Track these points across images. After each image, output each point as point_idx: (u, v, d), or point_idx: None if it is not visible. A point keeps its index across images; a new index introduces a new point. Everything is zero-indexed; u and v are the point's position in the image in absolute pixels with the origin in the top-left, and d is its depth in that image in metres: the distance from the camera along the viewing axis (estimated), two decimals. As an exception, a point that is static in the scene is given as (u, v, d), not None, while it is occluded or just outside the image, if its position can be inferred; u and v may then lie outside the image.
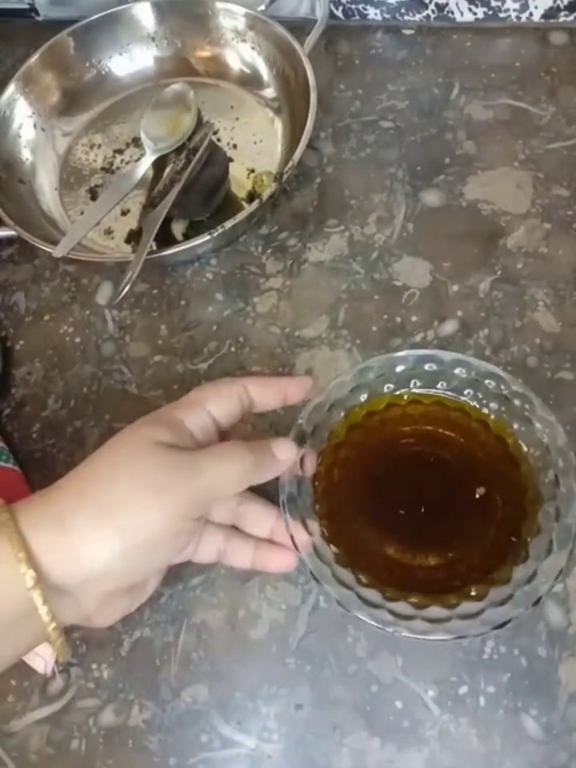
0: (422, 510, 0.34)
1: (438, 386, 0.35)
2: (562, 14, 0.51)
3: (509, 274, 0.44)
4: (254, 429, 0.40)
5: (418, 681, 0.35)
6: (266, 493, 0.35)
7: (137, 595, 0.31)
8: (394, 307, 0.44)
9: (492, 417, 0.34)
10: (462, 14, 0.52)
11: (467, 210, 0.46)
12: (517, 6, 0.51)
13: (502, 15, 0.52)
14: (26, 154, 0.51)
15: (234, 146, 0.51)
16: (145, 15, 0.53)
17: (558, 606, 0.35)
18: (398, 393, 0.35)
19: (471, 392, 0.34)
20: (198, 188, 0.45)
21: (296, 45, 0.48)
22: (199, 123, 0.45)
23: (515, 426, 0.34)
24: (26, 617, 0.26)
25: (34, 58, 0.51)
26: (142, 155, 0.47)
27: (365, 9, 0.53)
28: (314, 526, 0.32)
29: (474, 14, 0.52)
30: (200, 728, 0.35)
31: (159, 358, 0.44)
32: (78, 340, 0.46)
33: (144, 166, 0.46)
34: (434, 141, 0.49)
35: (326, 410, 0.34)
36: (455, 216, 0.46)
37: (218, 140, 0.50)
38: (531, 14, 0.51)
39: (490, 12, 0.51)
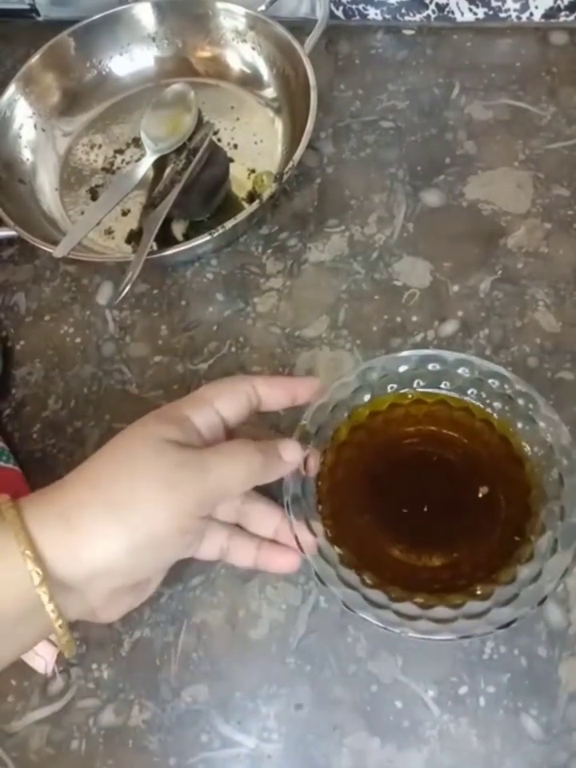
0: (426, 510, 0.34)
1: (442, 385, 0.35)
2: (563, 13, 0.51)
3: (509, 273, 0.44)
4: (252, 427, 0.40)
5: (417, 681, 0.34)
6: (270, 493, 0.35)
7: (141, 591, 0.31)
8: (394, 307, 0.44)
9: (495, 416, 0.34)
10: (462, 14, 0.52)
11: (467, 209, 0.46)
12: (517, 6, 0.51)
13: (502, 15, 0.52)
14: (26, 155, 0.51)
15: (235, 146, 0.51)
16: (145, 15, 0.53)
17: (558, 605, 0.35)
18: (401, 392, 0.35)
19: (475, 392, 0.34)
20: (198, 188, 0.45)
21: (296, 45, 0.48)
22: (199, 123, 0.45)
23: (519, 425, 0.34)
24: (31, 613, 0.26)
25: (34, 59, 0.52)
26: (143, 155, 0.47)
27: (365, 9, 0.53)
28: (318, 526, 0.32)
29: (475, 14, 0.52)
30: (200, 728, 0.35)
31: (159, 358, 0.44)
32: (78, 340, 0.46)
33: (144, 167, 0.46)
34: (435, 141, 0.49)
35: (329, 411, 0.34)
36: (455, 216, 0.46)
37: (219, 140, 0.50)
38: (531, 14, 0.51)
39: (491, 12, 0.51)
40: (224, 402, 0.31)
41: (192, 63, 0.55)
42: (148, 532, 0.26)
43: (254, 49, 0.52)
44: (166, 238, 0.46)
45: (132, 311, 0.46)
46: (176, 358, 0.44)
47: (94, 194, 0.51)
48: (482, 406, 0.34)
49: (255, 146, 0.51)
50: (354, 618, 0.30)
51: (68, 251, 0.42)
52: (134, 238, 0.48)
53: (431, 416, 0.36)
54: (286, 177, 0.44)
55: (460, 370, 0.34)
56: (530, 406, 0.33)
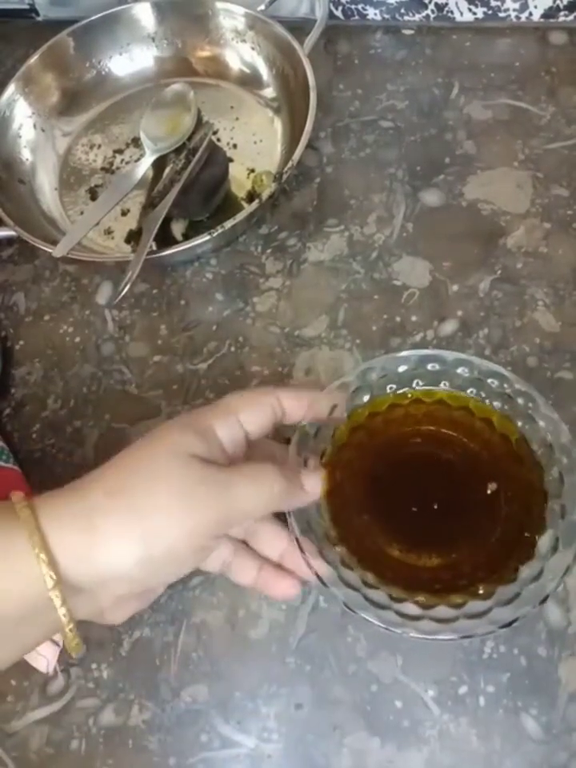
0: (427, 510, 0.34)
1: (441, 385, 0.35)
2: (562, 13, 0.51)
3: (508, 273, 0.44)
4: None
5: (417, 681, 0.34)
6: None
7: (147, 596, 0.31)
8: (393, 307, 0.44)
9: (497, 412, 0.34)
10: (461, 13, 0.52)
11: (467, 209, 0.46)
12: (516, 5, 0.51)
13: (501, 15, 0.52)
14: (25, 154, 0.51)
15: (234, 146, 0.51)
16: (145, 15, 0.53)
17: (558, 605, 0.35)
18: (400, 393, 0.35)
19: (474, 391, 0.34)
20: (197, 188, 0.45)
21: (296, 45, 0.48)
22: (199, 123, 0.45)
23: (519, 424, 0.34)
24: (42, 612, 0.26)
25: (33, 59, 0.52)
26: (142, 155, 0.47)
27: (364, 9, 0.53)
28: (319, 528, 0.32)
29: (474, 13, 0.52)
30: (200, 728, 0.35)
31: (159, 357, 0.44)
32: (77, 340, 0.46)
33: (144, 166, 0.46)
34: (434, 141, 0.49)
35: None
36: (455, 216, 0.46)
37: (218, 140, 0.50)
38: (531, 14, 0.51)
39: (490, 12, 0.51)
40: (249, 414, 0.30)
41: (191, 63, 0.55)
42: (164, 546, 0.26)
43: (253, 49, 0.52)
44: (165, 238, 0.46)
45: (131, 311, 0.46)
46: (175, 357, 0.44)
47: (93, 194, 0.51)
48: (481, 401, 0.34)
49: (254, 145, 0.51)
50: (354, 618, 0.30)
51: (67, 251, 0.42)
52: (133, 237, 0.48)
53: (431, 416, 0.36)
54: (285, 176, 0.44)
55: (459, 370, 0.34)
56: (530, 404, 0.33)
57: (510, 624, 0.29)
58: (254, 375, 0.43)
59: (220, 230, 0.42)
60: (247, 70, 0.53)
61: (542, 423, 0.33)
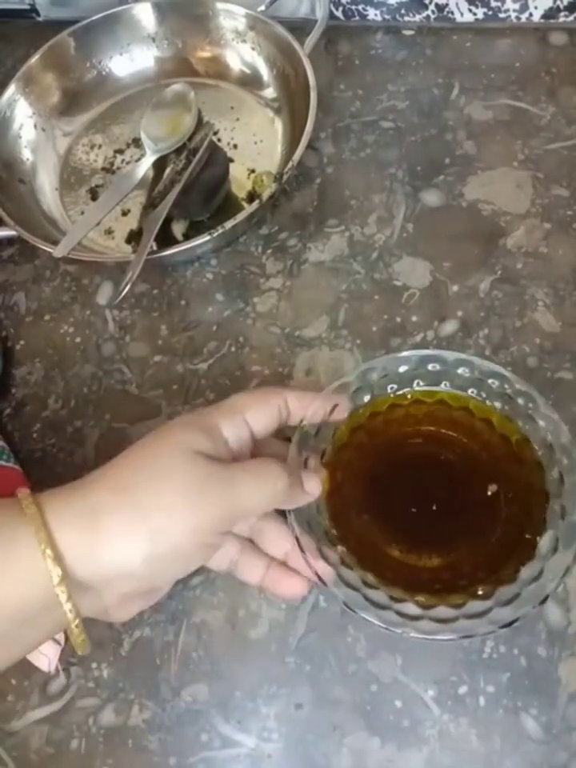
0: (427, 510, 0.34)
1: (442, 385, 0.35)
2: (562, 14, 0.51)
3: (509, 273, 0.44)
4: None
5: (417, 680, 0.35)
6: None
7: (153, 594, 0.31)
8: (394, 307, 0.44)
9: (497, 412, 0.34)
10: (461, 14, 0.52)
11: (467, 210, 0.46)
12: (517, 6, 0.51)
13: (501, 15, 0.52)
14: (26, 154, 0.51)
15: (235, 147, 0.51)
16: (145, 16, 0.53)
17: (558, 605, 0.35)
18: (400, 393, 0.35)
19: (475, 391, 0.34)
20: (198, 188, 0.45)
21: (296, 45, 0.48)
22: (199, 123, 0.45)
23: (519, 424, 0.34)
24: (48, 609, 0.26)
25: (34, 59, 0.52)
26: (143, 155, 0.47)
27: (365, 9, 0.53)
28: (319, 527, 0.32)
29: (474, 14, 0.52)
30: (200, 727, 0.35)
31: (159, 357, 0.44)
32: (78, 340, 0.46)
33: (144, 167, 0.46)
34: (434, 141, 0.49)
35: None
36: (455, 216, 0.46)
37: (219, 140, 0.50)
38: (531, 15, 0.51)
39: (490, 12, 0.52)
40: (255, 414, 0.31)
41: (192, 63, 0.55)
42: (169, 543, 0.26)
43: (253, 49, 0.52)
44: (165, 238, 0.46)
45: (132, 311, 0.46)
46: (176, 357, 0.44)
47: (93, 194, 0.51)
48: (482, 401, 0.35)
49: (255, 146, 0.51)
50: (354, 618, 0.30)
51: (68, 251, 0.42)
52: (134, 237, 0.48)
53: (431, 416, 0.36)
54: (285, 177, 0.44)
55: (460, 370, 0.34)
56: (530, 405, 0.33)
57: (509, 624, 0.29)
58: (254, 375, 0.43)
59: (220, 231, 0.42)
60: (248, 71, 0.53)
61: (542, 423, 0.33)
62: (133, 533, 0.26)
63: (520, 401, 0.33)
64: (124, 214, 0.49)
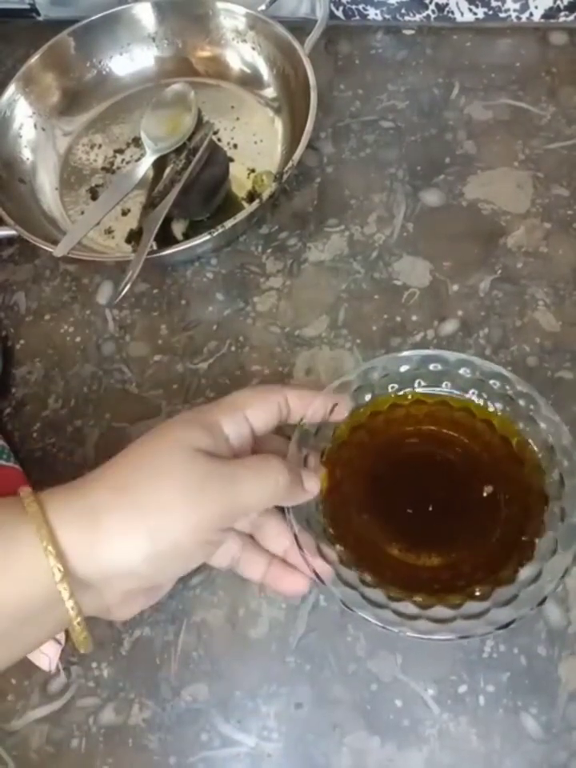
0: (427, 510, 0.34)
1: (443, 385, 0.35)
2: (562, 14, 0.51)
3: (509, 273, 0.44)
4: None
5: (417, 680, 0.35)
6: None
7: (155, 592, 0.31)
8: (394, 307, 0.44)
9: (498, 415, 0.34)
10: (462, 14, 0.52)
11: (467, 209, 0.46)
12: (517, 6, 0.51)
13: (502, 15, 0.52)
14: (26, 154, 0.51)
15: (235, 146, 0.51)
16: (145, 15, 0.53)
17: (558, 605, 0.35)
18: (401, 393, 0.35)
19: (476, 392, 0.34)
20: (198, 188, 0.45)
21: (296, 45, 0.48)
22: (199, 123, 0.45)
23: (520, 425, 0.34)
24: (51, 607, 0.26)
25: (34, 58, 0.52)
26: (143, 155, 0.47)
27: (365, 9, 0.53)
28: (318, 525, 0.32)
29: (474, 14, 0.52)
30: (200, 727, 0.35)
31: (159, 357, 0.44)
32: (78, 339, 0.46)
33: (144, 166, 0.46)
34: (434, 141, 0.49)
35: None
36: (455, 216, 0.46)
37: (219, 140, 0.50)
38: (531, 14, 0.51)
39: (490, 12, 0.52)
40: (255, 411, 0.31)
41: (192, 63, 0.55)
42: (169, 541, 0.26)
43: (253, 49, 0.52)
44: (165, 238, 0.46)
45: (132, 310, 0.46)
46: (176, 357, 0.44)
47: (94, 194, 0.51)
48: (483, 405, 0.35)
49: (255, 145, 0.51)
50: (354, 617, 0.30)
51: (68, 250, 0.42)
52: (134, 237, 0.48)
53: (432, 416, 0.36)
54: (285, 176, 0.44)
55: (461, 371, 0.34)
56: (531, 406, 0.33)
57: (507, 625, 0.29)
58: (254, 375, 0.43)
59: (220, 230, 0.42)
60: (248, 70, 0.53)
61: (543, 425, 0.33)
62: (132, 531, 0.26)
63: (521, 402, 0.33)
64: (124, 213, 0.49)
